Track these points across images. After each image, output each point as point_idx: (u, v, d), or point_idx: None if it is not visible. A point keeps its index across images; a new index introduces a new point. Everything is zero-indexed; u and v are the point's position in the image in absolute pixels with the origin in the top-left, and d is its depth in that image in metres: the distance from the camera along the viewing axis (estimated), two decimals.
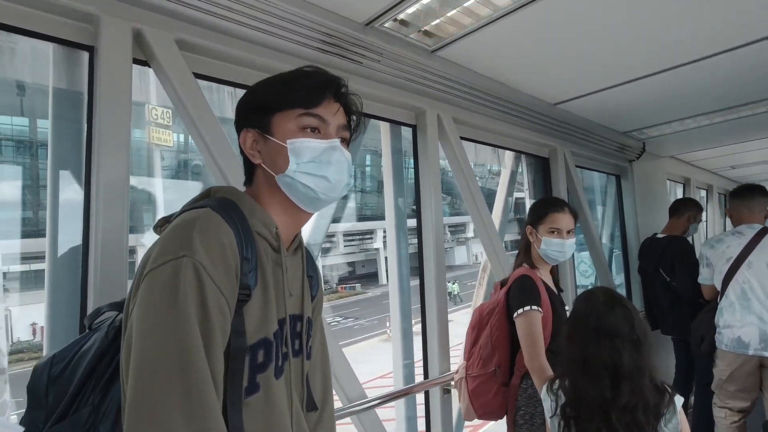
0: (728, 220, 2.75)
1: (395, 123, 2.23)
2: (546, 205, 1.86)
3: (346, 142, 0.90)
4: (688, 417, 3.08)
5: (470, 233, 29.60)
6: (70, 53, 1.38)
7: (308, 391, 0.95)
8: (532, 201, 3.38)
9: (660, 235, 3.21)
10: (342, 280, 29.25)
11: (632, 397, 1.23)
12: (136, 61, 1.38)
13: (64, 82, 1.38)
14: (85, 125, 1.33)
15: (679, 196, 5.59)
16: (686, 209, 3.21)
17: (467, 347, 1.90)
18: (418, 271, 2.22)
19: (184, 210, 0.80)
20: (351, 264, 30.28)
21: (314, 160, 0.85)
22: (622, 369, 1.23)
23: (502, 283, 1.86)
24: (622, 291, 4.20)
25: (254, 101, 0.89)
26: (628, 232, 4.21)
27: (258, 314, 0.78)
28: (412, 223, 2.34)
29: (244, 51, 1.56)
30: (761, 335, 2.27)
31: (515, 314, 1.70)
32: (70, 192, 1.37)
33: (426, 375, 2.12)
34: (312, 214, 0.92)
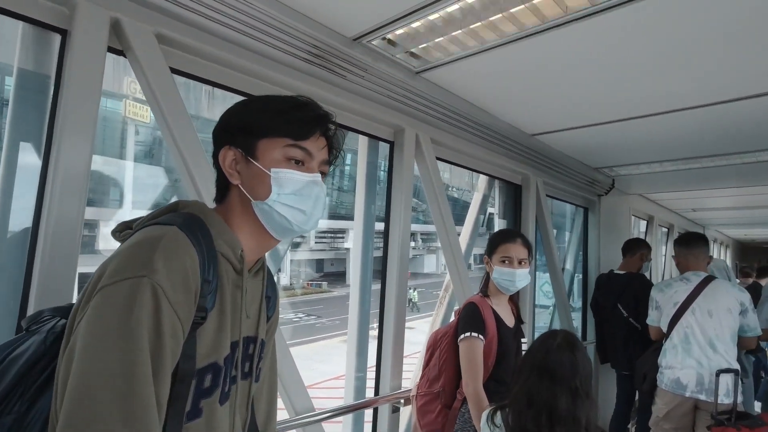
0: None
1: (374, 138, 2.24)
2: (499, 236, 1.93)
3: (324, 176, 0.91)
4: None
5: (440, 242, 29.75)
6: (40, 32, 1.33)
7: (252, 414, 0.94)
8: (501, 219, 3.45)
9: (619, 272, 3.33)
10: (309, 277, 29.05)
11: None
12: (111, 50, 1.35)
13: (31, 62, 1.32)
14: (49, 109, 1.28)
15: (643, 231, 5.82)
16: (638, 248, 3.37)
17: (422, 366, 1.94)
18: (380, 290, 2.24)
19: (148, 223, 0.78)
20: (320, 261, 30.07)
21: (295, 192, 0.84)
22: (557, 413, 1.26)
23: (459, 311, 1.90)
24: (579, 316, 4.32)
25: (242, 120, 0.86)
26: (589, 263, 4.35)
27: (211, 337, 0.77)
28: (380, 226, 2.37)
29: (227, 52, 1.53)
30: (698, 378, 2.38)
31: (459, 339, 1.77)
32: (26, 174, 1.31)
33: (377, 391, 2.13)
34: (279, 242, 0.92)
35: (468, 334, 1.74)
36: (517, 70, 2.01)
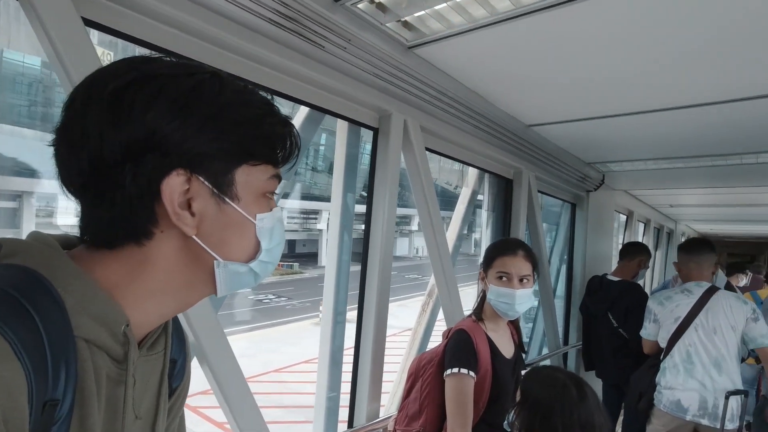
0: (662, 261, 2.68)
1: (355, 123, 1.90)
2: (497, 248, 1.59)
3: None
4: None
5: (414, 226, 29.81)
6: None
7: None
8: (490, 212, 3.20)
9: (612, 278, 3.10)
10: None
11: None
12: None
13: None
14: None
15: (623, 226, 5.72)
16: (638, 253, 3.12)
17: (402, 396, 1.64)
18: (358, 294, 1.93)
19: None
20: (291, 242, 29.58)
21: (279, 242, 0.57)
22: None
23: (448, 333, 1.60)
24: (561, 316, 4.14)
25: (208, 129, 0.49)
26: (575, 261, 4.17)
27: None
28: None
29: (170, 5, 1.16)
30: (701, 402, 2.19)
31: (445, 374, 1.47)
32: None
33: (350, 423, 1.84)
34: None
35: (456, 369, 1.43)
36: (523, 52, 1.73)
